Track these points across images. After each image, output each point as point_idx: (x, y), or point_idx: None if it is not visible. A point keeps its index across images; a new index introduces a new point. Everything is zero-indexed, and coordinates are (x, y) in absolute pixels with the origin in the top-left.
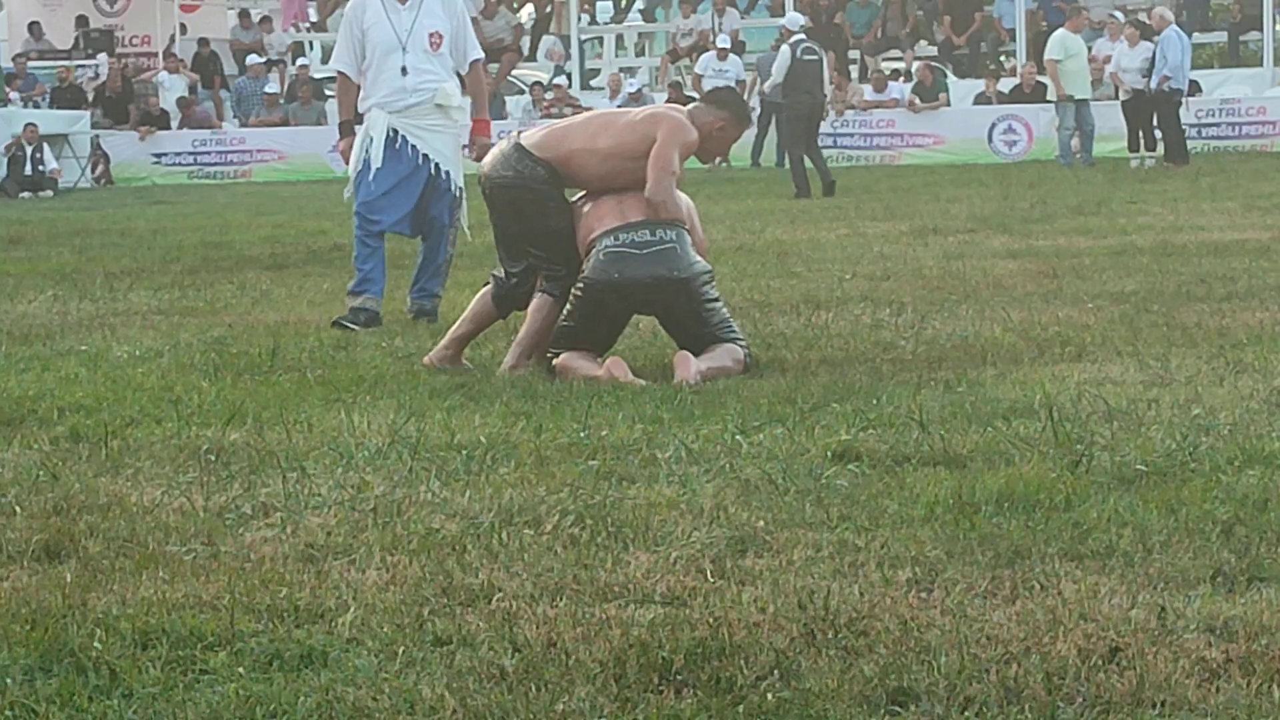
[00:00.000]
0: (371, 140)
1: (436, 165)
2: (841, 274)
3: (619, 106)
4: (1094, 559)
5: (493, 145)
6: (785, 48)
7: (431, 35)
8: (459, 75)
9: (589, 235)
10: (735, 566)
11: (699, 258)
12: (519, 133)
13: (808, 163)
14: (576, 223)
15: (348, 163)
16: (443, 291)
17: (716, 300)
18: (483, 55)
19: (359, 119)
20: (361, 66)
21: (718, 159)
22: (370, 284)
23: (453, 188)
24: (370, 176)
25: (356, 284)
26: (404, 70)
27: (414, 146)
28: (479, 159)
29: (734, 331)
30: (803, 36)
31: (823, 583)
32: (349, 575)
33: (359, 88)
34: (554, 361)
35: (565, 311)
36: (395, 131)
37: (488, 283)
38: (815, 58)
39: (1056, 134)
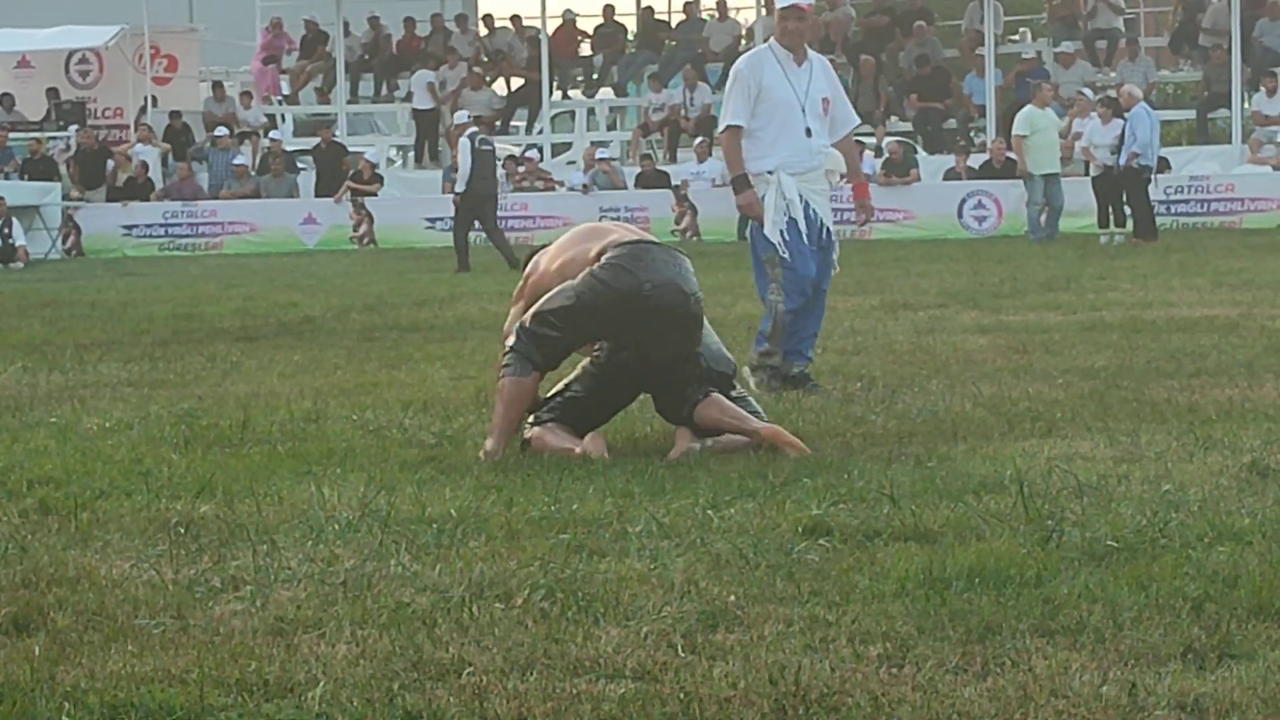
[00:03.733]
0: (789, 202)
1: (828, 230)
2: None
3: (589, 179)
4: (1065, 635)
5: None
6: (464, 140)
7: (823, 100)
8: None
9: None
10: (706, 641)
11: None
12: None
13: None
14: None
15: (754, 215)
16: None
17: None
18: (858, 122)
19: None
20: (750, 126)
21: (687, 232)
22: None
23: (835, 252)
24: (798, 239)
25: (791, 348)
26: (809, 132)
27: (815, 210)
28: (864, 223)
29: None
30: (476, 129)
31: (794, 658)
32: (319, 649)
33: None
34: (527, 434)
35: (577, 382)
36: (800, 195)
37: (507, 365)
38: (489, 148)
39: (1026, 209)
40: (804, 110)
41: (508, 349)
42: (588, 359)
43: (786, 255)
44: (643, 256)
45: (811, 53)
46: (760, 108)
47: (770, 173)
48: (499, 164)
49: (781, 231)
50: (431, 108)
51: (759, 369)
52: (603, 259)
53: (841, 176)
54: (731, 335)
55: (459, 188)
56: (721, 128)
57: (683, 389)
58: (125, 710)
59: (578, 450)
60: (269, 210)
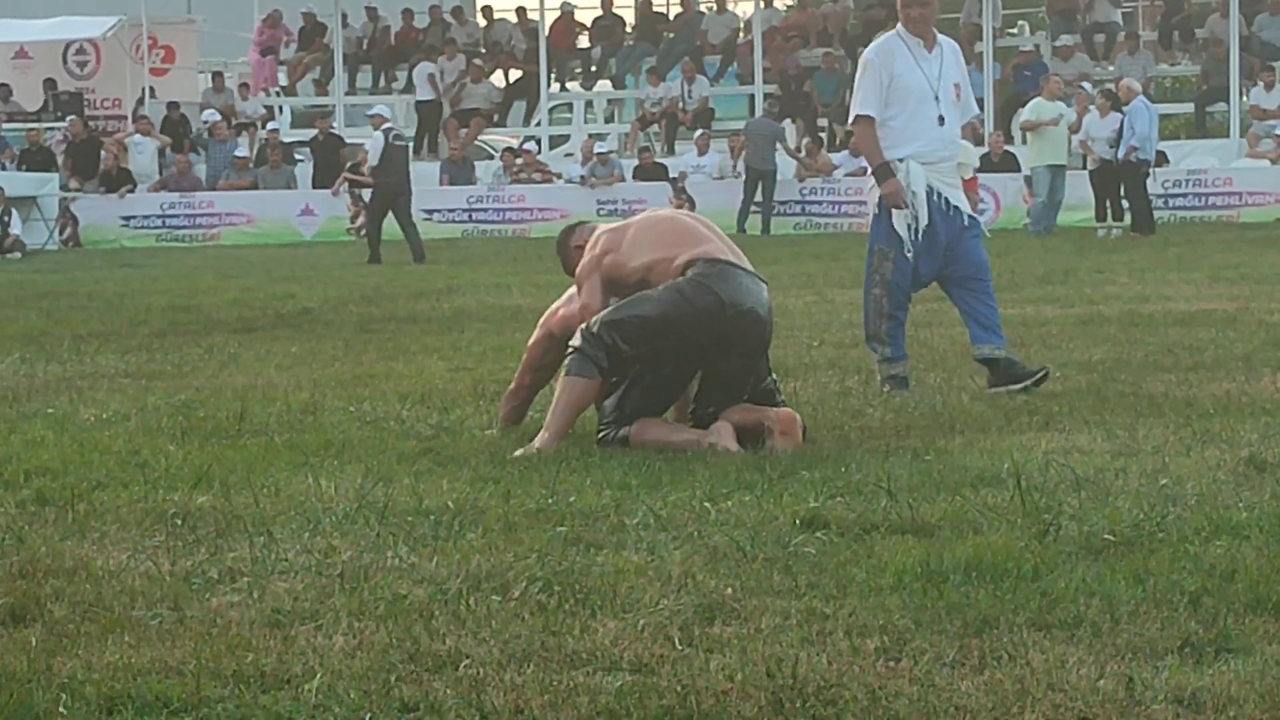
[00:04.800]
0: (915, 194)
1: (967, 215)
2: (810, 341)
3: (587, 170)
4: (1062, 629)
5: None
6: (379, 134)
7: (955, 86)
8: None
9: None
10: (703, 634)
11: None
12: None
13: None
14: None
15: (898, 204)
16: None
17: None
18: (978, 112)
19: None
20: (883, 114)
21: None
22: (903, 350)
23: (980, 231)
24: (917, 235)
25: (896, 352)
26: (941, 120)
27: (946, 199)
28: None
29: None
30: (391, 125)
31: (790, 651)
32: (315, 641)
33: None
34: (628, 433)
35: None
36: (931, 187)
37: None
38: (403, 144)
39: (1031, 202)
40: (937, 98)
41: (573, 349)
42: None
43: (910, 254)
44: (730, 278)
45: (941, 37)
46: (891, 96)
47: (900, 161)
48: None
49: (909, 226)
50: (432, 99)
51: (883, 380)
52: (689, 273)
53: (975, 170)
54: None
55: (367, 170)
56: (852, 118)
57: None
58: (122, 701)
59: (708, 441)
60: (266, 202)
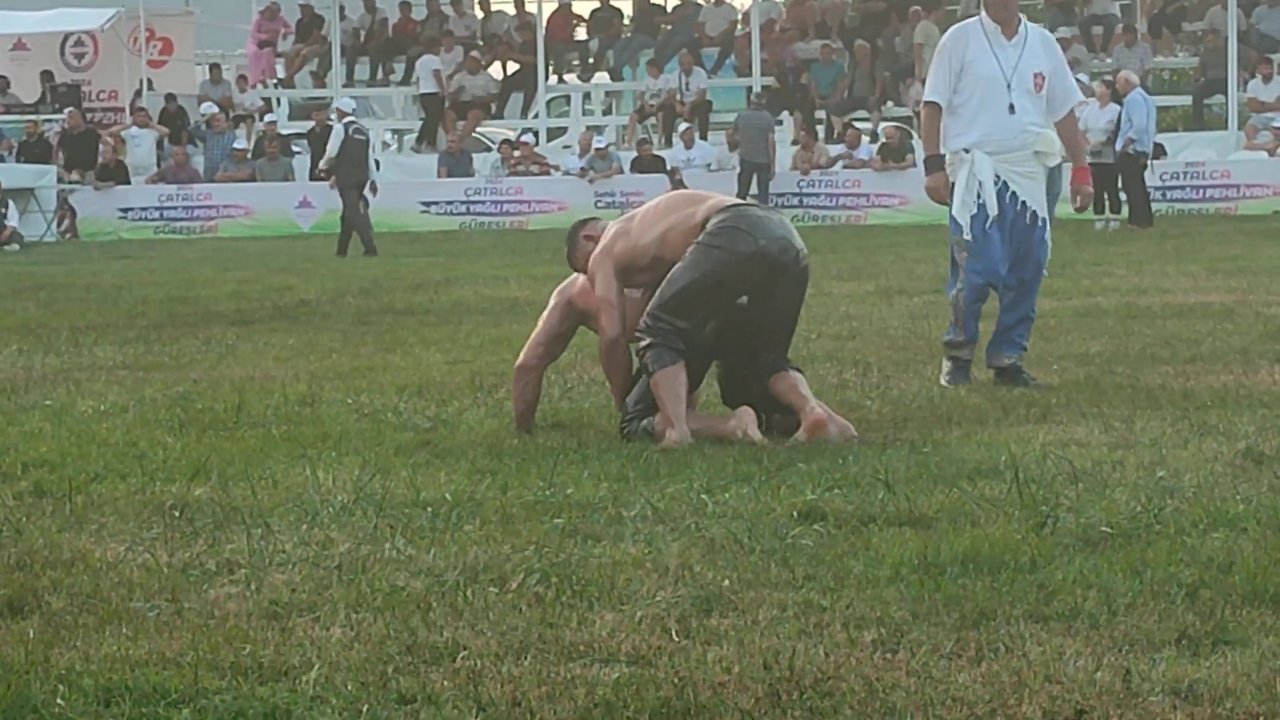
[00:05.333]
0: (981, 184)
1: (1034, 213)
2: (807, 334)
3: (585, 163)
4: (1059, 621)
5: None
6: (339, 127)
7: (1035, 75)
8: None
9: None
10: (700, 626)
11: None
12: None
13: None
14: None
15: (937, 200)
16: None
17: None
18: (1081, 98)
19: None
20: (953, 102)
21: None
22: (975, 336)
23: (1047, 236)
24: (987, 225)
25: (970, 335)
26: (1011, 109)
27: (1014, 193)
28: (1081, 209)
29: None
30: (353, 119)
31: (788, 643)
32: (313, 633)
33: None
34: (653, 428)
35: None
36: (998, 177)
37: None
38: (363, 138)
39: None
40: (1009, 86)
41: (646, 343)
42: None
43: (969, 238)
44: (751, 215)
45: (1031, 26)
46: (962, 83)
47: (966, 150)
48: (372, 152)
49: (971, 216)
50: (435, 92)
51: (946, 359)
52: (710, 225)
53: (1064, 159)
54: None
55: (322, 165)
56: (920, 105)
57: (756, 359)
58: (120, 692)
59: (739, 434)
60: (264, 194)
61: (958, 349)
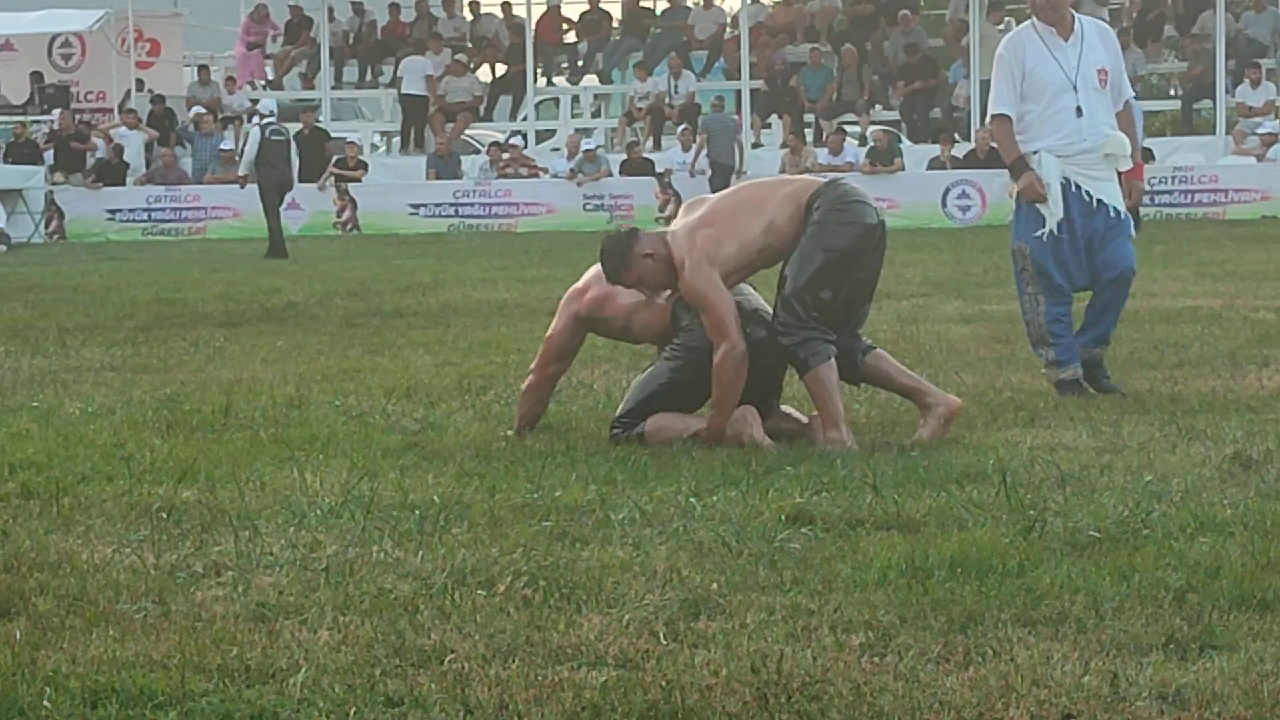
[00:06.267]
0: (1048, 187)
1: (1115, 210)
2: None
3: (574, 165)
4: (1047, 625)
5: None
6: (255, 129)
7: (1099, 71)
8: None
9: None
10: (688, 629)
11: None
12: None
13: None
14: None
15: (1034, 198)
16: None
17: None
18: (1132, 93)
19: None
20: (1019, 110)
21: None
22: (1073, 352)
23: (1130, 230)
24: (1059, 230)
25: (1061, 353)
26: (1079, 111)
27: (1088, 192)
28: (1134, 206)
29: None
30: (272, 120)
31: (776, 646)
32: (301, 635)
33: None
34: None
35: (663, 372)
36: (1068, 180)
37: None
38: (282, 138)
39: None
40: (1075, 87)
41: (799, 340)
42: (666, 348)
43: (1044, 238)
44: (845, 188)
45: (1085, 20)
46: (1026, 90)
47: (1035, 154)
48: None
49: (1039, 229)
50: (421, 94)
51: (1057, 386)
52: (820, 203)
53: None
54: None
55: (241, 170)
56: (989, 118)
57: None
58: (106, 695)
59: (746, 436)
60: (252, 195)
61: (1059, 369)
